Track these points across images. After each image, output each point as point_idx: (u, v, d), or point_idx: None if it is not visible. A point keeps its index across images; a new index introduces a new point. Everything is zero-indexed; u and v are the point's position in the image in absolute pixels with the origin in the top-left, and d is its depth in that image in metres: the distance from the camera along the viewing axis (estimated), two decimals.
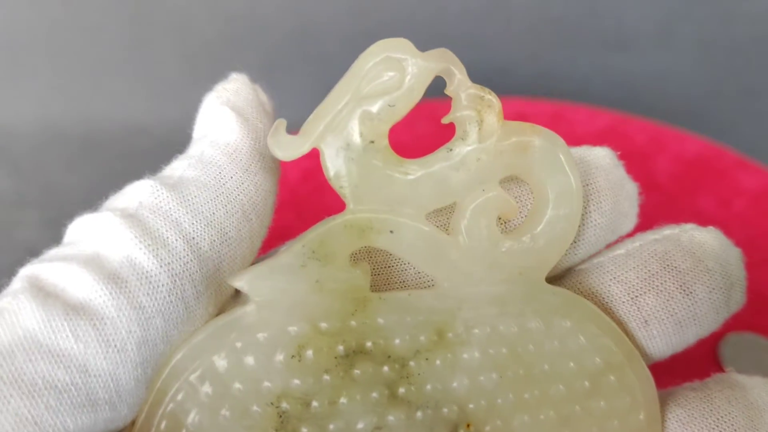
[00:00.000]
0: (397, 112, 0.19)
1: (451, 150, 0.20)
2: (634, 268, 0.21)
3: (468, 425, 0.20)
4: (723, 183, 0.47)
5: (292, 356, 0.19)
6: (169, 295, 0.18)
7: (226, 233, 0.19)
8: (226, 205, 0.19)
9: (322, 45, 0.61)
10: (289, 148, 0.19)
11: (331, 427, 0.19)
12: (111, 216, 0.18)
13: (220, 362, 0.19)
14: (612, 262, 0.22)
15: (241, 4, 0.60)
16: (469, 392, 0.20)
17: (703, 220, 0.22)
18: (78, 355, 0.17)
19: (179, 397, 0.18)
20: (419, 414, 0.19)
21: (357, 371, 0.19)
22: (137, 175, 0.20)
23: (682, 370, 0.23)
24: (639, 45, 0.62)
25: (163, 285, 0.18)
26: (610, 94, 0.62)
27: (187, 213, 0.19)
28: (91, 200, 0.20)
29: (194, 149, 0.20)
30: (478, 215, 0.20)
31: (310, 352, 0.19)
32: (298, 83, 0.59)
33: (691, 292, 0.21)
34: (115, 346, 0.17)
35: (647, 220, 0.23)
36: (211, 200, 0.19)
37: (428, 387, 0.20)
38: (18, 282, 0.18)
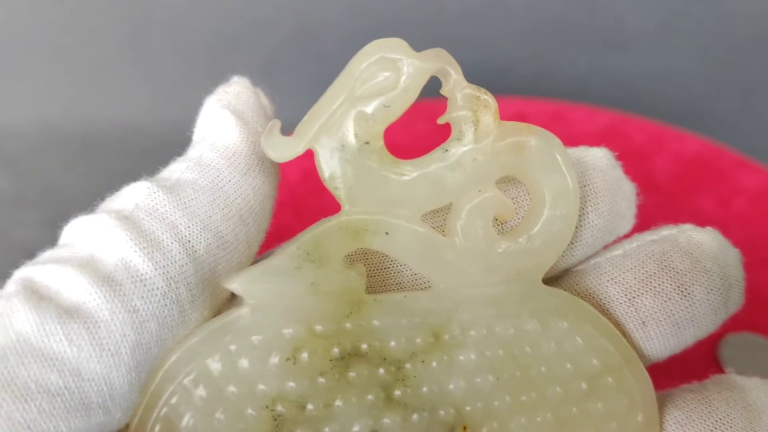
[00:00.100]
0: (392, 112, 0.19)
1: (446, 150, 0.19)
2: (631, 269, 0.21)
3: (464, 428, 0.20)
4: (722, 183, 0.47)
5: (287, 359, 0.19)
6: (163, 299, 0.18)
7: (223, 237, 0.19)
8: (223, 209, 0.19)
9: (321, 45, 0.61)
10: (283, 149, 0.19)
11: (327, 430, 0.19)
12: (106, 218, 0.18)
13: (215, 365, 0.18)
14: (609, 263, 0.22)
15: (241, 4, 0.60)
16: (466, 394, 0.20)
17: (702, 220, 0.22)
18: (71, 359, 0.17)
19: (173, 400, 0.18)
20: (415, 416, 0.19)
21: (352, 374, 0.19)
22: (136, 176, 0.20)
23: (681, 370, 0.22)
24: (638, 45, 0.62)
25: (157, 288, 0.18)
26: (610, 94, 0.62)
27: (183, 216, 0.19)
28: (90, 201, 0.20)
29: (193, 152, 0.20)
30: (474, 216, 0.20)
31: (305, 355, 0.19)
32: (297, 83, 0.59)
33: (688, 294, 0.21)
34: (109, 349, 0.17)
35: (646, 220, 0.23)
36: (208, 203, 0.19)
37: (424, 389, 0.19)
38: (12, 285, 0.18)
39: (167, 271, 0.18)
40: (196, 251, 0.18)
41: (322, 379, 0.19)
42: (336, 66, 0.19)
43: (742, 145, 0.51)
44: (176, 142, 0.21)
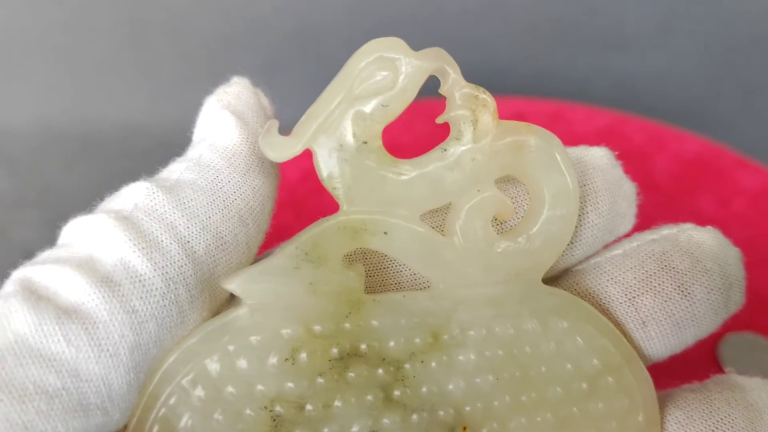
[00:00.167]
0: (390, 112, 0.19)
1: (445, 150, 0.19)
2: (631, 268, 0.21)
3: (464, 428, 0.20)
4: (722, 183, 0.47)
5: (286, 359, 0.19)
6: (162, 299, 0.18)
7: (222, 237, 0.19)
8: (222, 209, 0.19)
9: (321, 45, 0.61)
10: (281, 149, 0.19)
11: (326, 430, 0.19)
12: (105, 218, 0.18)
13: (213, 366, 0.18)
14: (609, 262, 0.21)
15: (241, 4, 0.60)
16: (465, 395, 0.20)
17: (702, 220, 0.22)
18: (69, 360, 0.17)
19: (171, 401, 0.18)
20: (415, 417, 0.19)
21: (351, 374, 0.19)
22: (136, 176, 0.20)
23: (681, 370, 0.22)
24: (638, 45, 0.62)
25: (156, 289, 0.18)
26: (609, 94, 0.62)
27: (182, 216, 0.19)
28: (90, 201, 0.20)
29: (193, 152, 0.20)
30: (473, 216, 0.20)
31: (303, 355, 0.19)
32: (297, 84, 0.58)
33: (689, 293, 0.21)
34: (108, 350, 0.17)
35: (646, 220, 0.23)
36: (208, 204, 0.19)
37: (423, 390, 0.19)
38: (10, 285, 0.17)
39: (166, 272, 0.18)
40: (195, 252, 0.18)
41: (320, 380, 0.19)
42: (336, 66, 0.19)
43: (742, 145, 0.51)
44: (176, 143, 0.21)
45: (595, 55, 0.62)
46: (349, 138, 0.19)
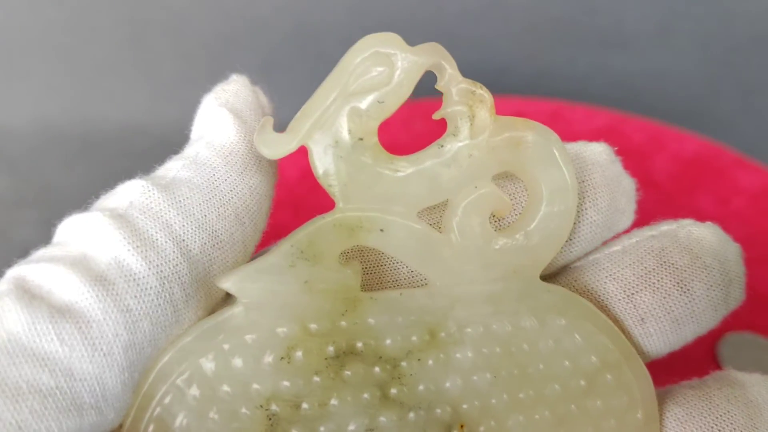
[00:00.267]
0: (386, 108, 0.19)
1: (442, 146, 0.19)
2: (630, 264, 0.21)
3: (461, 426, 0.19)
4: (721, 182, 0.47)
5: (282, 358, 0.19)
6: (157, 298, 0.18)
7: (218, 236, 0.19)
8: (218, 208, 0.19)
9: (320, 44, 0.61)
10: (276, 146, 0.19)
11: (322, 429, 0.19)
12: (100, 216, 0.18)
13: (208, 365, 0.18)
14: (608, 258, 0.21)
15: (240, 3, 0.60)
16: (463, 392, 0.19)
17: (701, 219, 0.22)
18: (63, 359, 0.16)
19: (166, 400, 0.18)
20: (412, 415, 0.19)
21: (348, 372, 0.19)
22: (136, 176, 0.20)
23: (681, 369, 0.22)
24: (638, 44, 0.62)
25: (151, 288, 0.18)
26: (609, 94, 0.62)
27: (178, 214, 0.18)
28: (89, 200, 0.20)
29: (190, 150, 0.20)
30: (470, 212, 0.20)
31: (299, 354, 0.19)
32: (296, 83, 0.58)
33: (688, 290, 0.21)
34: (102, 349, 0.17)
35: (646, 220, 0.22)
36: (204, 202, 0.19)
37: (421, 387, 0.19)
38: (4, 284, 0.17)
39: (161, 271, 0.18)
40: (190, 250, 0.18)
41: (317, 378, 0.19)
42: (334, 65, 0.19)
43: (741, 145, 0.51)
44: (175, 142, 0.21)
45: (594, 55, 0.62)
46: (345, 134, 0.19)
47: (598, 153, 0.22)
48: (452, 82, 0.19)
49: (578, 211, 0.21)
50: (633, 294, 0.21)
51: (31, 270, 0.17)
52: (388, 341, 0.19)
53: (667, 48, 0.62)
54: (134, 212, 0.18)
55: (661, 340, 0.21)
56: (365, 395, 0.19)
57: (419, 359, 0.19)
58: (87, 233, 0.18)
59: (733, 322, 0.22)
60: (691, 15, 0.61)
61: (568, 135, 0.21)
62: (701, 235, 0.21)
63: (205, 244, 0.19)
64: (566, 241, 0.21)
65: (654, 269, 0.21)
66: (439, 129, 0.20)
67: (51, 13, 0.59)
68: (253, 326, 0.18)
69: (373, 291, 0.19)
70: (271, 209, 0.21)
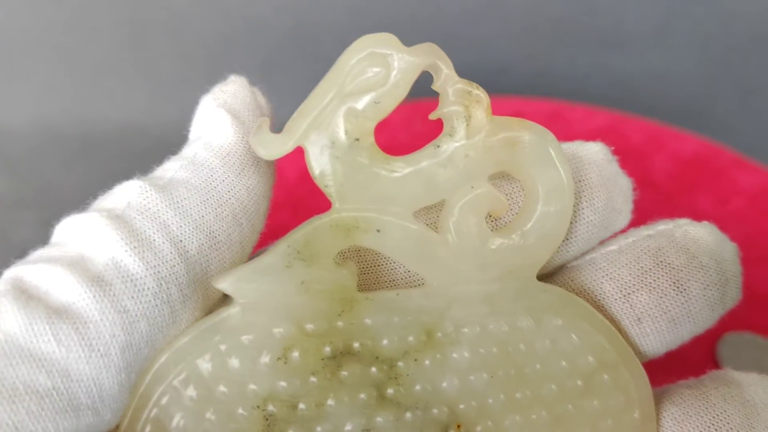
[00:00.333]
0: (382, 108, 0.19)
1: (438, 146, 0.19)
2: (626, 264, 0.21)
3: (458, 426, 0.19)
4: (720, 182, 0.47)
5: (278, 358, 0.19)
6: (154, 299, 0.18)
7: (216, 237, 0.19)
8: (216, 209, 0.19)
9: (320, 45, 0.61)
10: (272, 147, 0.19)
11: (319, 429, 0.19)
12: (97, 217, 0.18)
13: (205, 365, 0.18)
14: (604, 258, 0.21)
15: (240, 4, 0.60)
16: (459, 393, 0.19)
17: (700, 219, 0.22)
18: (60, 360, 0.16)
19: (163, 401, 0.18)
20: (408, 415, 0.19)
21: (344, 372, 0.19)
22: (135, 176, 0.20)
23: (680, 369, 0.22)
24: (637, 44, 0.62)
25: (148, 288, 0.18)
26: (608, 94, 0.62)
27: (175, 215, 0.18)
28: (89, 201, 0.20)
29: (188, 150, 0.20)
30: (466, 213, 0.19)
31: (296, 354, 0.19)
32: (296, 83, 0.58)
33: (684, 289, 0.21)
34: (98, 350, 0.17)
35: (644, 220, 0.22)
36: (201, 203, 0.19)
37: (417, 388, 0.19)
38: (1, 284, 0.17)
39: (158, 271, 0.18)
40: (187, 251, 0.18)
41: (313, 379, 0.19)
42: None
43: (740, 145, 0.51)
44: (175, 142, 0.21)
45: (593, 55, 0.62)
46: (341, 135, 0.19)
47: (595, 152, 0.22)
48: (448, 82, 0.19)
49: (575, 211, 0.21)
50: (629, 294, 0.21)
51: (28, 270, 0.17)
52: (384, 341, 0.19)
53: (666, 48, 0.62)
54: (132, 213, 0.18)
55: (657, 340, 0.21)
56: (362, 395, 0.19)
57: (416, 359, 0.19)
58: (84, 234, 0.18)
59: (732, 322, 0.22)
60: (691, 15, 0.61)
61: (568, 135, 0.21)
62: (698, 235, 0.21)
63: (202, 244, 0.19)
64: (563, 241, 0.21)
65: (651, 269, 0.21)
66: (438, 129, 0.20)
67: (51, 13, 0.59)
68: (249, 327, 0.18)
69: (370, 291, 0.19)
70: (269, 210, 0.21)
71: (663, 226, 0.21)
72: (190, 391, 0.18)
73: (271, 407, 0.18)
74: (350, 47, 0.18)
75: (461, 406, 0.19)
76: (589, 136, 0.23)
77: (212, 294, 0.19)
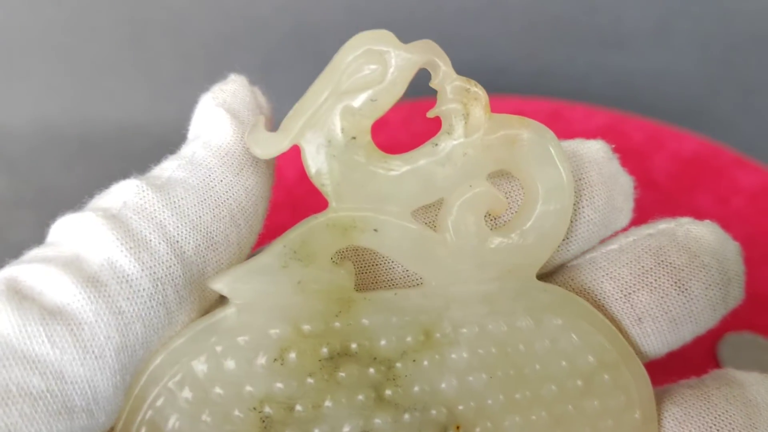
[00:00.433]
0: (379, 106, 0.18)
1: (436, 145, 0.19)
2: (627, 264, 0.21)
3: (457, 427, 0.19)
4: (721, 181, 0.47)
5: (275, 359, 0.18)
6: (150, 300, 0.17)
7: (213, 238, 0.19)
8: (213, 209, 0.19)
9: (320, 44, 0.61)
10: (268, 146, 0.18)
11: (316, 431, 0.19)
12: (93, 216, 0.18)
13: (200, 367, 0.18)
14: (605, 257, 0.21)
15: (240, 3, 0.60)
16: (458, 393, 0.19)
17: (701, 218, 0.22)
18: (54, 361, 0.16)
19: (158, 403, 0.18)
20: (407, 416, 0.19)
21: (342, 374, 0.19)
22: (133, 176, 0.19)
23: (681, 369, 0.22)
24: (637, 43, 0.62)
25: (144, 289, 0.17)
26: (608, 93, 0.62)
27: (172, 215, 0.18)
28: (87, 201, 0.19)
29: (186, 150, 0.20)
30: (465, 212, 0.19)
31: (293, 355, 0.18)
32: (296, 83, 0.58)
33: (686, 289, 0.20)
34: (93, 352, 0.17)
35: (644, 219, 0.22)
36: (199, 203, 0.19)
37: (416, 388, 0.19)
38: None
39: (154, 272, 0.18)
40: (184, 252, 0.18)
41: (310, 380, 0.19)
42: None
43: (741, 144, 0.51)
44: (175, 142, 0.21)
45: (593, 54, 0.62)
46: (338, 133, 0.18)
47: (595, 150, 0.21)
48: (446, 79, 0.19)
49: (575, 210, 0.21)
50: (630, 293, 0.21)
51: (23, 270, 0.17)
52: (382, 342, 0.19)
53: (666, 47, 0.62)
54: (128, 213, 0.18)
55: (658, 340, 0.21)
56: (360, 397, 0.19)
57: (414, 360, 0.19)
58: (80, 234, 0.18)
59: (733, 322, 0.22)
60: (690, 14, 0.61)
61: (568, 134, 0.21)
62: (700, 234, 0.21)
63: (199, 245, 0.18)
64: (563, 240, 0.21)
65: (652, 268, 0.21)
66: (438, 129, 0.20)
67: (50, 13, 0.59)
68: (245, 328, 0.18)
69: (367, 291, 0.19)
70: (268, 210, 0.21)
71: (664, 225, 0.21)
72: (186, 393, 0.18)
73: (267, 409, 0.18)
74: (346, 44, 0.18)
75: (460, 407, 0.19)
76: (589, 136, 0.22)
77: (209, 295, 0.19)
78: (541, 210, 0.20)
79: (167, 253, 0.18)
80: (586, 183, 0.21)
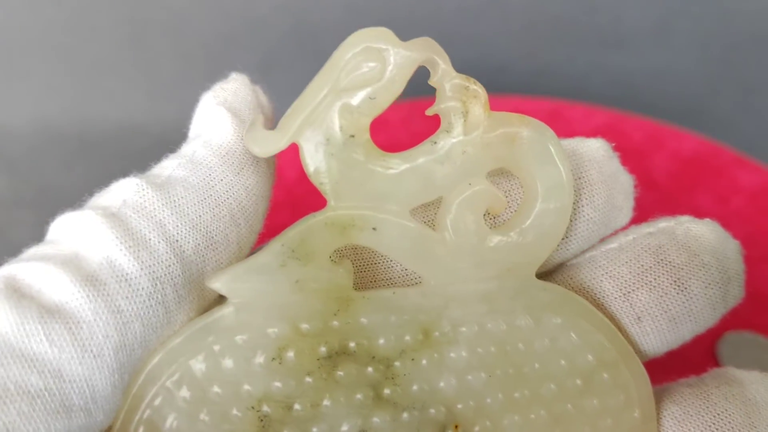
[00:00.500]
0: (378, 104, 0.18)
1: (435, 143, 0.19)
2: (626, 262, 0.21)
3: (456, 426, 0.19)
4: (721, 181, 0.47)
5: (273, 359, 0.18)
6: (148, 299, 0.17)
7: (212, 237, 0.19)
8: (213, 208, 0.19)
9: (319, 44, 0.61)
10: (266, 144, 0.18)
11: (315, 430, 0.18)
12: (92, 215, 0.18)
13: (198, 366, 0.18)
14: (604, 256, 0.21)
15: (239, 3, 0.60)
16: (457, 392, 0.19)
17: (701, 218, 0.22)
18: (52, 360, 0.16)
19: (156, 402, 0.18)
20: (405, 415, 0.19)
21: (340, 373, 0.19)
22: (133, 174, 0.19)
23: (680, 369, 0.22)
24: (636, 43, 0.62)
25: (143, 288, 0.17)
26: (608, 92, 0.62)
27: (172, 214, 0.18)
28: (88, 200, 0.19)
29: (186, 148, 0.20)
30: (464, 210, 0.19)
31: (291, 354, 0.18)
32: (295, 82, 0.58)
33: (685, 288, 0.20)
34: (91, 351, 0.17)
35: (644, 219, 0.22)
36: (199, 202, 0.19)
37: (414, 388, 0.19)
38: None
39: (153, 271, 0.18)
40: (183, 251, 0.18)
41: (309, 379, 0.18)
42: None
43: (741, 144, 0.51)
44: (174, 142, 0.21)
45: (593, 53, 0.62)
46: (336, 131, 0.18)
47: (595, 149, 0.21)
48: (445, 77, 0.19)
49: (574, 208, 0.21)
50: (629, 292, 0.20)
51: (21, 269, 0.17)
52: (381, 341, 0.19)
53: (666, 47, 0.62)
54: (127, 211, 0.18)
55: (658, 339, 0.21)
56: (358, 396, 0.19)
57: (413, 359, 0.19)
58: (79, 232, 0.18)
59: (733, 321, 0.22)
60: (690, 13, 0.61)
61: (567, 134, 0.21)
62: (699, 232, 0.21)
63: (198, 244, 0.18)
64: (562, 239, 0.21)
65: (651, 267, 0.20)
66: (438, 129, 0.20)
67: (50, 13, 0.59)
68: (243, 327, 0.18)
69: (366, 290, 0.19)
70: (268, 210, 0.20)
71: (664, 224, 0.21)
72: (184, 392, 0.18)
73: (265, 408, 0.18)
74: (345, 42, 0.18)
75: (459, 406, 0.19)
76: (589, 135, 0.22)
77: (208, 294, 0.19)
78: (541, 208, 0.20)
79: (166, 252, 0.18)
80: (585, 182, 0.21)
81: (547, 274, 0.22)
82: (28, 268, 0.17)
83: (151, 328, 0.18)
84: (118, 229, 0.17)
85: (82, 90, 0.61)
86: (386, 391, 0.19)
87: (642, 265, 0.21)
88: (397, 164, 0.19)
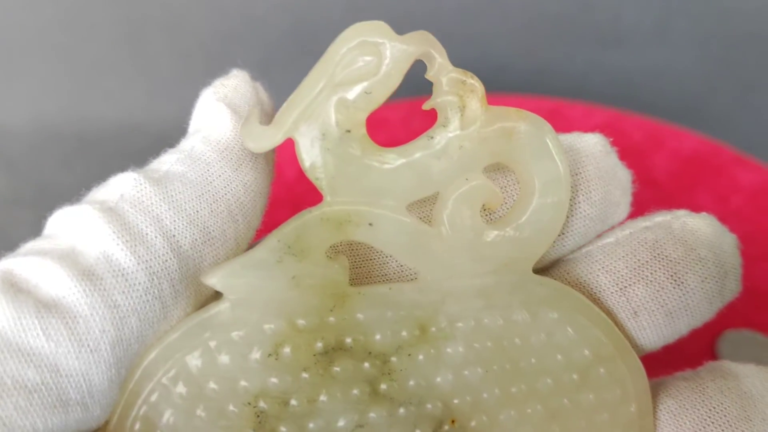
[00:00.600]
0: (374, 99, 0.18)
1: (432, 138, 0.19)
2: (623, 257, 0.21)
3: (453, 421, 0.19)
4: (720, 179, 0.47)
5: (269, 354, 0.18)
6: (145, 294, 0.17)
7: (210, 233, 0.19)
8: (211, 204, 0.19)
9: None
10: (261, 139, 0.18)
11: (311, 425, 0.18)
12: (90, 209, 0.18)
13: (194, 362, 0.18)
14: (601, 251, 0.21)
15: (238, 1, 0.60)
16: (454, 387, 0.19)
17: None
18: (49, 355, 0.16)
19: (153, 398, 0.18)
20: (402, 410, 0.19)
21: (337, 368, 0.19)
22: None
23: (679, 367, 0.22)
24: (636, 41, 0.62)
25: (139, 283, 0.17)
26: (607, 91, 0.62)
27: (169, 209, 0.18)
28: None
29: (185, 144, 0.20)
30: (461, 205, 0.19)
31: (287, 350, 0.18)
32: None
33: (682, 282, 0.20)
34: (88, 345, 0.17)
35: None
36: (196, 198, 0.19)
37: (411, 383, 0.19)
38: None
39: (150, 266, 0.18)
40: (180, 246, 0.18)
41: (305, 375, 0.18)
42: None
43: (740, 142, 0.51)
44: (173, 140, 0.21)
45: (592, 52, 0.62)
46: (332, 126, 0.18)
47: (593, 144, 0.21)
48: (442, 71, 0.19)
49: (571, 204, 0.21)
50: (626, 287, 0.20)
51: (18, 263, 0.17)
52: (377, 336, 0.19)
53: (665, 45, 0.62)
54: (125, 206, 0.18)
55: (654, 334, 0.21)
56: (355, 391, 0.19)
57: (409, 354, 0.19)
58: (76, 226, 0.18)
59: (733, 319, 0.22)
60: (689, 12, 0.61)
61: (567, 132, 0.21)
62: (696, 227, 0.21)
63: (196, 240, 0.18)
64: (559, 234, 0.21)
65: (647, 262, 0.20)
66: None
67: (48, 12, 0.59)
68: (239, 323, 0.18)
69: (362, 286, 0.19)
70: (267, 207, 0.20)
71: (661, 218, 0.21)
72: (180, 388, 0.18)
73: (262, 404, 0.18)
74: (340, 36, 0.18)
75: (455, 401, 0.19)
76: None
77: (204, 290, 0.19)
78: (538, 203, 0.20)
79: (163, 247, 0.18)
80: (582, 177, 0.21)
81: (544, 269, 0.22)
82: (25, 263, 0.17)
83: (147, 323, 0.18)
84: (115, 224, 0.17)
85: (81, 89, 0.61)
86: (383, 386, 0.19)
87: (638, 260, 0.20)
88: (394, 159, 0.19)
